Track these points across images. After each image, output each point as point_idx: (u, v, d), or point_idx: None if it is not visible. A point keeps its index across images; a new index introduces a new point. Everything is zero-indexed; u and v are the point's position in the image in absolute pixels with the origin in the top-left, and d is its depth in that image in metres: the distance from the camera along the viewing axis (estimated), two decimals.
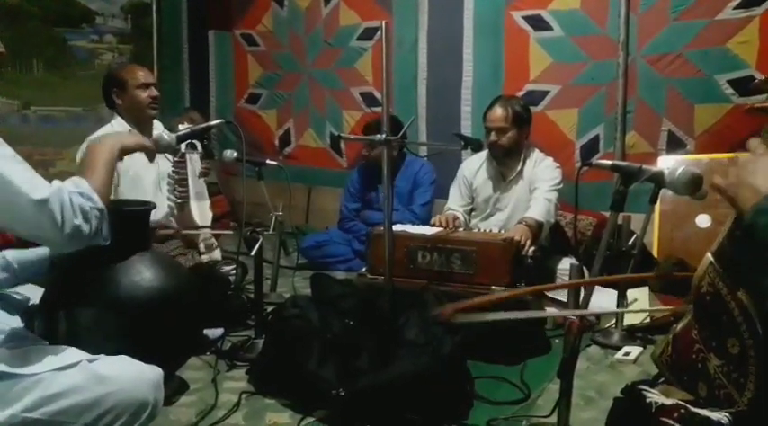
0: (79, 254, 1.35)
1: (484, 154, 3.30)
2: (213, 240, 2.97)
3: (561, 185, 3.12)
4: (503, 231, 2.93)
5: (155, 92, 2.84)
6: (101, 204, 1.33)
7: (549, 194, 3.06)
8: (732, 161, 1.10)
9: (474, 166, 3.38)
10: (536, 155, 3.25)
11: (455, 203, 3.41)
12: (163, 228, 2.65)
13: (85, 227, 1.28)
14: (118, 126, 2.81)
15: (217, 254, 3.00)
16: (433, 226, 3.06)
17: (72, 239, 1.26)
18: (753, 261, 1.04)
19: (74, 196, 1.27)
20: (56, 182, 1.27)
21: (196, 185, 2.91)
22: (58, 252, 1.36)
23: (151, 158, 1.71)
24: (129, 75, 2.83)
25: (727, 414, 1.09)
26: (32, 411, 1.20)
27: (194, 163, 2.91)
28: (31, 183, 1.22)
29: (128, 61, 5.49)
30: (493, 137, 3.16)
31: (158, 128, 2.88)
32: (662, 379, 1.34)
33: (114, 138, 1.51)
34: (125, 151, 1.49)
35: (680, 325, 1.29)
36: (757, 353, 1.07)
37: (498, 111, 3.16)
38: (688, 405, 1.14)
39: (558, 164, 3.22)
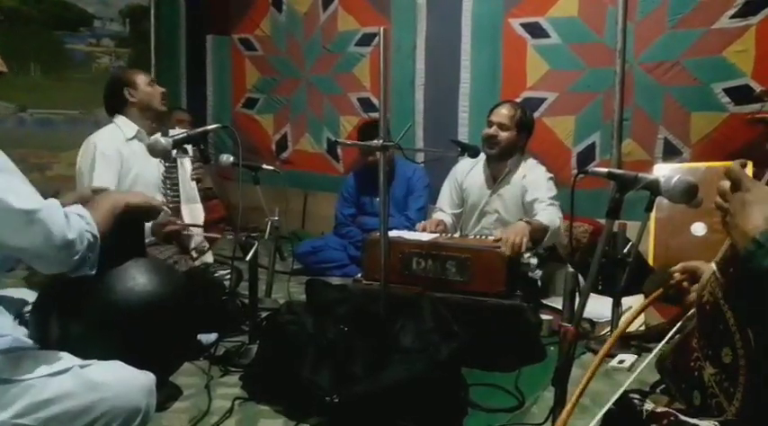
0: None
1: (478, 159, 3.31)
2: (205, 244, 2.97)
3: (555, 192, 3.12)
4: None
5: (162, 88, 2.92)
6: (97, 232, 1.33)
7: (552, 207, 3.04)
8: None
9: (466, 168, 3.41)
10: (530, 163, 3.26)
11: (444, 203, 3.44)
12: (169, 224, 2.63)
13: (79, 246, 1.28)
14: (123, 125, 2.81)
15: (208, 258, 3.00)
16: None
17: (61, 253, 1.26)
18: (748, 290, 1.05)
19: (72, 215, 1.29)
20: (52, 200, 1.27)
21: (187, 189, 2.91)
22: (45, 271, 1.35)
23: (154, 217, 1.73)
24: (137, 76, 2.89)
25: (716, 423, 1.09)
26: (23, 417, 1.19)
27: (186, 167, 2.92)
28: (23, 195, 1.21)
29: (126, 65, 5.50)
30: (492, 131, 3.18)
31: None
32: (661, 387, 1.35)
33: (120, 194, 1.56)
34: (130, 207, 1.51)
35: (682, 333, 1.30)
36: (748, 363, 1.08)
37: (505, 109, 3.23)
38: (678, 414, 1.15)
39: (551, 175, 3.22)
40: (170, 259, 2.67)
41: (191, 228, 2.83)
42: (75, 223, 1.29)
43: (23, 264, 1.57)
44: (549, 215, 2.98)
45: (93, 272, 1.37)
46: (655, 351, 1.31)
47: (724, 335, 1.13)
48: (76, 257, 1.29)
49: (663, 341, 1.20)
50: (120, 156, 2.72)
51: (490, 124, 3.22)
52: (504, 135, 3.18)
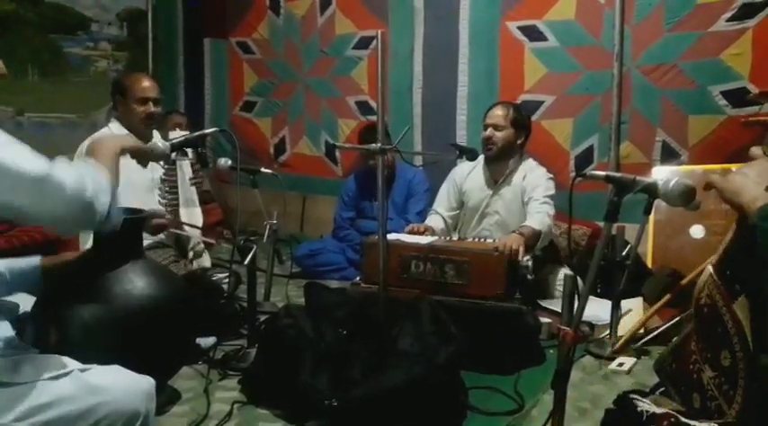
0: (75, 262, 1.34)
1: (477, 161, 3.32)
2: (202, 247, 2.96)
3: (553, 192, 3.13)
4: (495, 240, 2.92)
5: (152, 108, 2.78)
6: (111, 184, 1.31)
7: (544, 206, 3.06)
8: (726, 173, 1.11)
9: (465, 171, 3.41)
10: (530, 163, 3.28)
11: (440, 205, 3.44)
12: (155, 218, 2.61)
13: (100, 202, 1.24)
14: (116, 129, 2.80)
15: (206, 261, 2.99)
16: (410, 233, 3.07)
17: (83, 213, 1.22)
18: (754, 263, 1.05)
19: (84, 173, 1.24)
20: (60, 161, 1.22)
21: (186, 192, 2.91)
22: (68, 234, 1.34)
23: (144, 163, 1.72)
24: (132, 85, 2.79)
25: (716, 425, 1.10)
26: (22, 420, 1.19)
27: (185, 169, 2.91)
28: (33, 162, 1.16)
29: (123, 68, 5.49)
30: (488, 133, 3.20)
31: (155, 137, 2.87)
32: (661, 389, 1.35)
33: (114, 138, 1.55)
34: (124, 150, 1.51)
35: (681, 336, 1.30)
36: (747, 366, 1.08)
37: (498, 109, 3.25)
38: (678, 415, 1.15)
39: (551, 175, 3.24)
40: (165, 260, 2.66)
41: (188, 230, 2.82)
42: (89, 176, 1.24)
43: None
44: (539, 217, 3.01)
45: (117, 228, 1.37)
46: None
47: (723, 338, 1.13)
48: (94, 213, 1.25)
49: (653, 333, 1.20)
50: None
51: (486, 127, 3.24)
52: (499, 135, 3.20)
